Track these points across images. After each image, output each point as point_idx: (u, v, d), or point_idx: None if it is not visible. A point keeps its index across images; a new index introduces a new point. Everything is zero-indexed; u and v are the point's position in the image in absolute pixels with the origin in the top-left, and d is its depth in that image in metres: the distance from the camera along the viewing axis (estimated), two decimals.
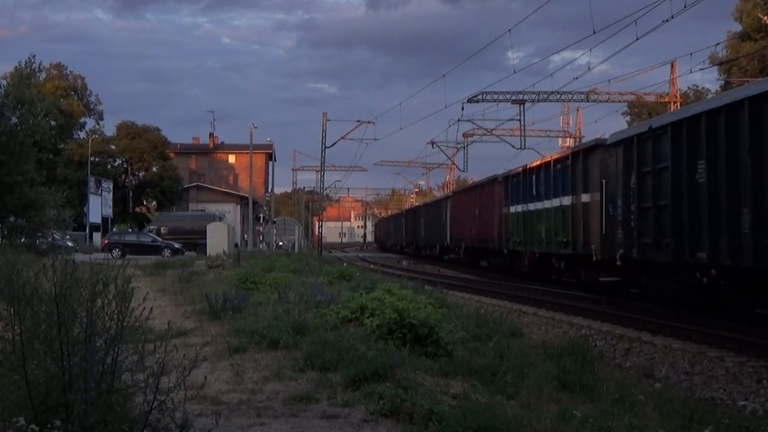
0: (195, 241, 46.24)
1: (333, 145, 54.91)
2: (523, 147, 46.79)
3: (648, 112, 52.10)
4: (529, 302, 20.13)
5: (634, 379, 10.36)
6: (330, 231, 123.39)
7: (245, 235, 68.47)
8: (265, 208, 77.64)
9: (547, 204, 23.85)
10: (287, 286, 15.00)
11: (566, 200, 22.13)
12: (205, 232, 43.09)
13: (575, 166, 21.60)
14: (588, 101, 48.93)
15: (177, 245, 45.00)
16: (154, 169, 70.53)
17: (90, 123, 77.17)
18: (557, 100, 48.32)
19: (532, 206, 25.43)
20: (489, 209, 31.87)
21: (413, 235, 57.57)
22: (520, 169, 27.64)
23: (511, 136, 51.16)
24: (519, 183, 27.35)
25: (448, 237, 41.71)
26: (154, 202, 72.39)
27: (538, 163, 26.11)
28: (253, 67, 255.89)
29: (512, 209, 27.85)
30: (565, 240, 21.80)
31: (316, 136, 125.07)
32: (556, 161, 23.57)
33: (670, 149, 14.94)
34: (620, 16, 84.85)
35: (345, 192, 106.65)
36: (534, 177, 25.54)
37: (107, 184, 61.80)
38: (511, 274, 29.32)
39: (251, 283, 16.45)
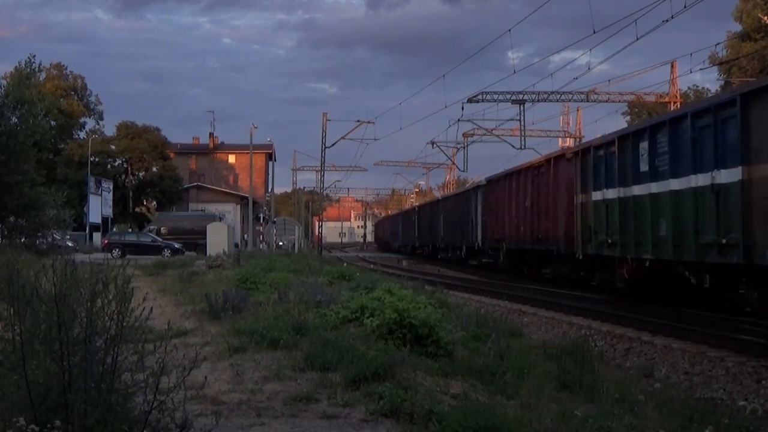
0: (195, 241, 46.26)
1: (333, 145, 55.06)
2: (523, 147, 46.90)
3: (648, 112, 52.12)
4: (529, 302, 20.13)
5: (634, 379, 10.36)
6: (330, 231, 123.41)
7: (245, 235, 68.47)
8: (265, 208, 77.64)
9: (675, 184, 15.42)
10: (287, 286, 14.99)
11: (727, 175, 13.48)
12: (205, 232, 43.08)
13: (750, 116, 12.89)
14: (588, 101, 49.07)
15: (177, 245, 45.02)
16: (154, 169, 70.59)
17: (90, 123, 77.42)
18: (557, 100, 48.43)
19: (639, 189, 17.01)
20: (549, 198, 24.04)
21: (429, 235, 49.67)
22: (612, 137, 19.14)
23: (511, 136, 51.28)
24: (610, 157, 18.80)
25: (479, 237, 34.23)
26: (154, 202, 72.44)
27: (651, 122, 17.29)
28: (253, 67, 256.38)
29: (596, 196, 19.60)
30: (724, 242, 13.48)
31: (316, 136, 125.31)
32: (698, 114, 14.83)
33: None
34: (620, 16, 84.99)
35: (345, 192, 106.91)
36: (644, 145, 16.72)
37: (107, 184, 61.84)
38: (587, 287, 21.21)
39: (251, 283, 16.44)
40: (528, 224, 26.09)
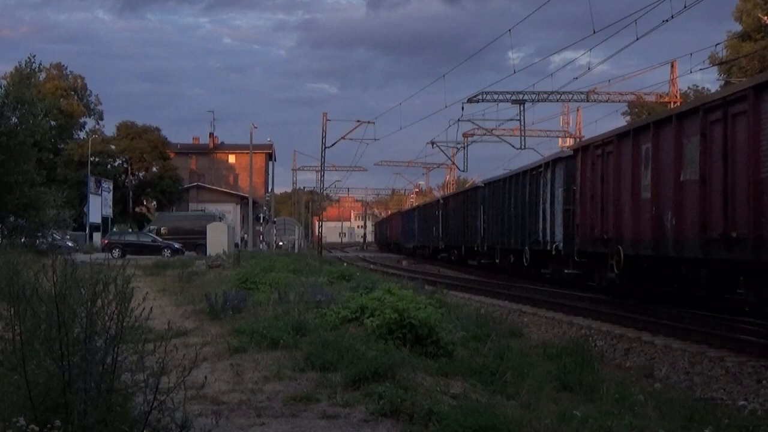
0: (195, 241, 46.24)
1: (333, 145, 55.05)
2: (523, 147, 46.90)
3: (648, 111, 52.14)
4: (529, 302, 20.11)
5: (634, 379, 10.35)
6: (330, 231, 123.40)
7: (245, 235, 68.49)
8: (265, 208, 77.65)
9: None
10: (287, 286, 14.98)
11: None
12: (205, 232, 43.08)
13: None
14: (588, 101, 49.05)
15: (177, 245, 45.01)
16: (154, 169, 70.68)
17: (90, 123, 77.44)
18: (557, 100, 48.41)
19: None
20: (763, 162, 11.94)
21: (462, 234, 37.65)
22: None
23: (511, 136, 51.26)
24: None
25: (558, 236, 23.02)
26: (154, 202, 72.49)
27: None
28: (253, 67, 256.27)
29: None
30: None
31: (316, 136, 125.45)
32: None
33: None
34: (620, 16, 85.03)
35: (345, 192, 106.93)
36: None
37: (107, 184, 61.85)
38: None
39: (251, 283, 16.44)
40: (692, 213, 14.22)
